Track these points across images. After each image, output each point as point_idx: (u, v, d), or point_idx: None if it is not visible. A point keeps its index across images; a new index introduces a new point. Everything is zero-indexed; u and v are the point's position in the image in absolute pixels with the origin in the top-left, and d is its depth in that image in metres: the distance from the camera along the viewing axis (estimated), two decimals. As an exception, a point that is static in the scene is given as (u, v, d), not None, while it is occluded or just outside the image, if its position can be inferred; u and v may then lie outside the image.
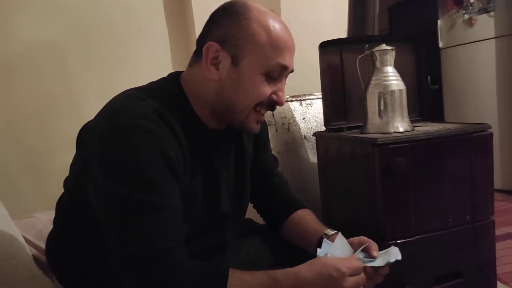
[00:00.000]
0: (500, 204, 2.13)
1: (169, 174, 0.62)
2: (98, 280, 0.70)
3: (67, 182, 0.77)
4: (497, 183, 1.97)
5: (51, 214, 0.83)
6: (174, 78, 0.74)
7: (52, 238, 0.79)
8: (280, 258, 0.85)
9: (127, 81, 0.76)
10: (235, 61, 0.68)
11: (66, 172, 0.79)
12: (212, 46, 0.68)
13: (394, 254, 0.71)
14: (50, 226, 0.84)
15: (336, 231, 0.81)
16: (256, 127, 0.73)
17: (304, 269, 0.65)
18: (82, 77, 1.47)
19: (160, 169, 0.61)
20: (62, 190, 0.80)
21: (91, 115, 0.70)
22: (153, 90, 0.70)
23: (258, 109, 0.71)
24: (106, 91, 0.74)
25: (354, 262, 0.67)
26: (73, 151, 0.74)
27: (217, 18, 0.70)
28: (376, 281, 0.70)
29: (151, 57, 1.58)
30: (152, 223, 0.59)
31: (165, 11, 1.60)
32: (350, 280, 0.64)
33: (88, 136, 0.67)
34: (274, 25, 0.68)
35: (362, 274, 0.67)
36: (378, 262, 0.70)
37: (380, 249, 0.75)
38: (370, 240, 0.75)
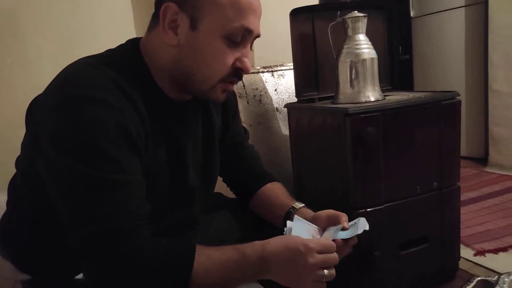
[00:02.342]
0: (464, 170, 2.22)
1: (128, 148, 0.58)
2: (56, 264, 0.67)
3: (19, 162, 0.72)
4: (462, 150, 2.03)
5: (5, 195, 0.77)
6: (132, 44, 0.69)
7: (5, 221, 0.74)
8: (249, 232, 0.84)
9: (86, 51, 0.70)
10: (193, 24, 0.62)
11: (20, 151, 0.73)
12: (170, 8, 0.63)
13: (361, 225, 0.71)
14: (5, 207, 0.78)
15: (303, 205, 0.80)
16: (222, 96, 0.69)
17: (272, 242, 0.63)
18: (37, 48, 1.37)
19: (118, 143, 0.57)
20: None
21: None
22: (109, 58, 0.65)
23: (225, 81, 0.66)
24: (63, 62, 0.68)
25: (325, 240, 0.65)
26: (28, 128, 0.69)
27: None
28: (344, 253, 0.70)
29: (112, 23, 1.48)
30: (112, 202, 0.56)
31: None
32: (318, 257, 0.61)
33: (38, 109, 0.62)
34: None
35: (335, 254, 0.64)
36: (347, 234, 0.70)
37: (349, 219, 0.75)
38: (339, 213, 0.74)
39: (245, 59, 0.65)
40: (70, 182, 0.56)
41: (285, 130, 1.54)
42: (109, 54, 0.67)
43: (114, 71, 0.61)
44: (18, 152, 0.76)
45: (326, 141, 1.12)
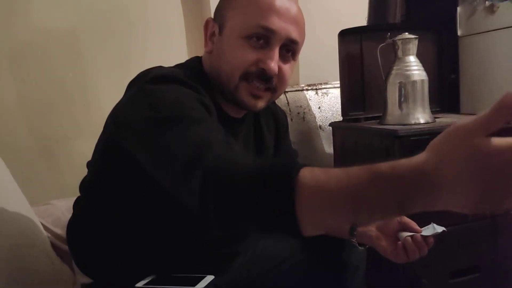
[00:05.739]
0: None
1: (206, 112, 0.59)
2: (119, 269, 0.68)
3: (92, 163, 0.74)
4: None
5: (68, 201, 0.82)
6: (196, 60, 0.75)
7: (74, 224, 0.77)
8: (301, 246, 0.83)
9: (140, 67, 0.75)
10: (220, 30, 0.69)
11: (81, 159, 0.78)
12: (208, 22, 0.71)
13: (436, 227, 0.72)
14: (67, 214, 0.84)
15: None
16: (252, 102, 0.68)
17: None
18: (96, 64, 1.46)
19: (200, 110, 0.58)
20: (78, 177, 0.78)
21: (105, 103, 0.69)
22: (179, 70, 0.68)
23: (249, 80, 0.66)
24: (120, 78, 0.73)
25: None
26: (88, 139, 0.73)
27: None
28: (422, 253, 0.69)
29: (166, 42, 1.56)
30: (198, 131, 0.52)
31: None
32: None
33: (117, 106, 0.66)
34: None
35: None
36: (427, 232, 0.71)
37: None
38: (408, 219, 0.75)
39: (268, 61, 0.65)
40: (151, 129, 0.53)
41: (328, 148, 1.53)
42: (179, 68, 0.70)
43: (186, 75, 0.65)
44: (75, 161, 0.81)
45: (373, 162, 1.11)
